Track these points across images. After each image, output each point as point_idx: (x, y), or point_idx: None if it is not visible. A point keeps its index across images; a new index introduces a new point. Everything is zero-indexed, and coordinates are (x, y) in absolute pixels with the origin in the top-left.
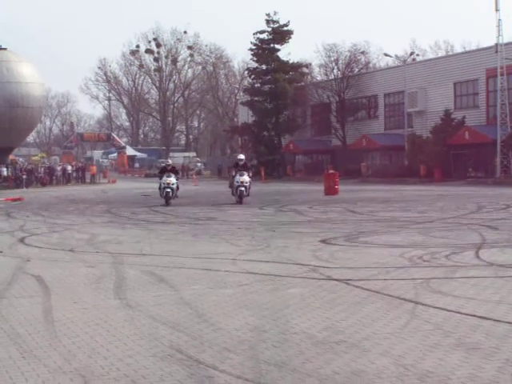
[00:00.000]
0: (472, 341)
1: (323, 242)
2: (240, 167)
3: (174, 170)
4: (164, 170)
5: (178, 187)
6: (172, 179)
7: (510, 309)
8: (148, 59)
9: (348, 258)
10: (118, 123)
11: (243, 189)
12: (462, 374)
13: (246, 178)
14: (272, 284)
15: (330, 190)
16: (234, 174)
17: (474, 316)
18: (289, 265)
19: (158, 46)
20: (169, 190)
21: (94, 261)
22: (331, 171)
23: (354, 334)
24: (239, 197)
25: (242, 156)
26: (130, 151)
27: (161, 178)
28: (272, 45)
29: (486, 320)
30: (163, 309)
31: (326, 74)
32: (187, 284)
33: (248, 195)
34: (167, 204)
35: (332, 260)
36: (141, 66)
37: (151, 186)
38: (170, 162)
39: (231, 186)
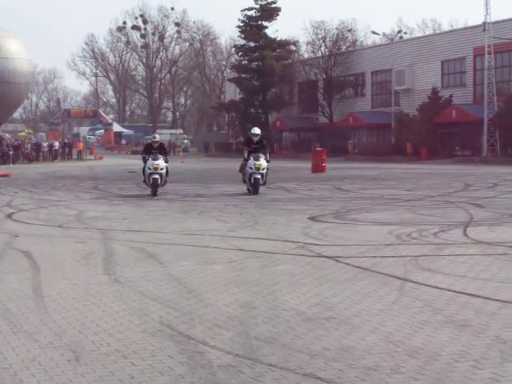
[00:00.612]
0: (461, 318)
1: (312, 219)
2: (254, 145)
3: (161, 148)
4: (149, 148)
5: (167, 172)
6: (160, 162)
7: (500, 286)
8: (135, 36)
9: (337, 235)
10: (105, 100)
11: (259, 176)
12: (452, 351)
13: (262, 162)
14: (261, 261)
15: (318, 168)
16: (246, 155)
17: (464, 293)
18: (278, 242)
19: (145, 22)
20: (156, 176)
21: (82, 237)
22: (318, 149)
23: (344, 310)
24: (253, 186)
25: (256, 130)
26: (116, 128)
27: (145, 159)
28: (260, 22)
29: (476, 297)
30: (152, 285)
31: (314, 52)
32: (176, 260)
33: (264, 183)
34: (154, 194)
35: (321, 237)
36: (128, 43)
37: (138, 162)
38: (157, 137)
39: (242, 170)
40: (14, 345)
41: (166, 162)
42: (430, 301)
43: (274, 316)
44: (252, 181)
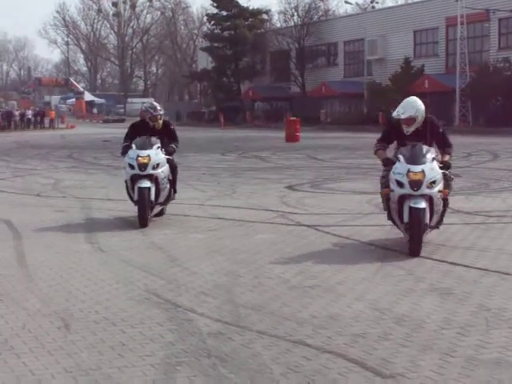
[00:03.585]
0: (444, 286)
1: (289, 188)
2: (411, 136)
3: (165, 133)
4: (140, 132)
5: (174, 178)
6: (153, 153)
7: (479, 255)
8: (106, 4)
9: (315, 204)
10: (76, 68)
11: (422, 206)
12: (437, 318)
13: (428, 164)
14: (242, 229)
15: (291, 137)
16: (384, 162)
17: (445, 262)
18: (257, 210)
19: None
20: (146, 184)
21: (61, 205)
22: (292, 118)
23: (328, 278)
24: (410, 230)
25: (409, 106)
26: (87, 97)
27: (125, 149)
28: None
29: (457, 266)
30: (135, 253)
31: (286, 21)
32: (157, 229)
33: (438, 225)
34: (143, 224)
35: (300, 206)
36: (99, 11)
37: (110, 131)
38: (157, 108)
39: (385, 198)
40: (2, 312)
41: (169, 152)
42: (412, 269)
43: (259, 284)
44: (406, 215)
